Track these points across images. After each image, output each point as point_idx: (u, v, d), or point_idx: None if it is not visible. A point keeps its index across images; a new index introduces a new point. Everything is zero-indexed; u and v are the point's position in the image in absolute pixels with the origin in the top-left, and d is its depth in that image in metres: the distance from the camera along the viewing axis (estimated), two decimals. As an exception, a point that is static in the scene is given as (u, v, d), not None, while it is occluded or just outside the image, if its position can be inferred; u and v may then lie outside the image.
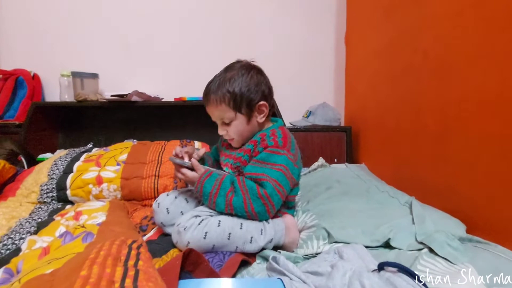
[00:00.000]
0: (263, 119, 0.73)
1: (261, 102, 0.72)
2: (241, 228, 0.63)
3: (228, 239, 0.62)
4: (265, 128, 0.75)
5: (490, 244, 0.58)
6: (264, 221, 0.67)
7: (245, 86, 0.70)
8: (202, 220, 0.63)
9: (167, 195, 0.76)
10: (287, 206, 0.76)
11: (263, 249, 0.65)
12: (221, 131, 0.74)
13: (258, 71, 0.74)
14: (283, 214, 0.73)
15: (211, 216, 0.65)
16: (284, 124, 0.84)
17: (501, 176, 0.61)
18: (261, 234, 0.65)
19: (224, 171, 0.76)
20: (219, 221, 0.63)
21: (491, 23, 0.63)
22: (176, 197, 0.75)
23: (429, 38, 0.85)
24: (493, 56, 0.63)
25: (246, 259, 0.61)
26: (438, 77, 0.81)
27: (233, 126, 0.72)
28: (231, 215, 0.66)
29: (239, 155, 0.73)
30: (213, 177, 0.68)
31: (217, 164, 0.85)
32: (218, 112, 0.72)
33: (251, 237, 0.63)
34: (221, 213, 0.66)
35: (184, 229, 0.62)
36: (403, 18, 0.99)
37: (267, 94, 0.73)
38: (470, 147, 0.70)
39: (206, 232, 0.61)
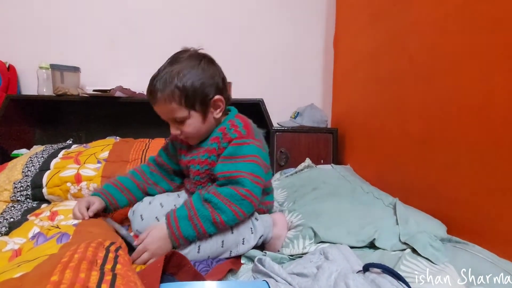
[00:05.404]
0: (220, 114, 0.67)
1: (217, 97, 0.65)
2: (232, 233, 0.62)
3: (222, 246, 0.61)
4: (223, 121, 0.69)
5: (468, 244, 0.60)
6: (253, 219, 0.66)
7: (198, 80, 0.62)
8: None
9: (142, 201, 0.72)
10: (265, 192, 0.73)
11: None
12: (174, 131, 0.67)
13: (209, 61, 0.66)
14: (274, 214, 0.73)
15: None
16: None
17: (480, 180, 0.63)
18: (252, 233, 0.64)
19: (193, 180, 0.70)
20: None
21: (475, 30, 0.65)
22: (150, 203, 0.71)
23: (415, 43, 0.87)
24: (476, 62, 0.65)
25: (233, 268, 0.60)
26: (423, 81, 0.83)
27: (187, 126, 0.65)
28: None
29: (204, 158, 0.68)
30: (182, 220, 0.58)
31: (174, 172, 0.78)
32: (168, 112, 0.64)
33: (243, 239, 0.62)
34: None
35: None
36: (390, 23, 1.01)
37: (222, 86, 0.66)
38: (451, 151, 0.72)
39: (199, 246, 0.59)
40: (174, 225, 0.58)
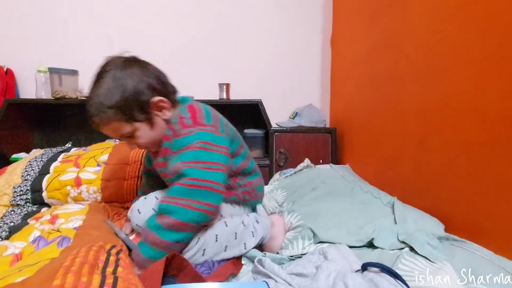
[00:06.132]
0: (168, 114, 0.63)
1: (155, 99, 0.60)
2: (235, 238, 0.63)
3: (225, 251, 0.62)
4: (174, 117, 0.64)
5: (465, 242, 0.60)
6: (254, 222, 0.66)
7: (127, 91, 0.57)
8: (199, 238, 0.60)
9: (138, 199, 0.73)
10: (244, 173, 0.70)
11: None
12: (130, 146, 0.65)
13: (135, 63, 0.61)
14: (271, 215, 0.74)
15: (205, 230, 0.62)
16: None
17: (477, 178, 0.64)
18: (253, 236, 0.65)
19: (165, 180, 0.70)
20: (216, 235, 0.61)
21: (471, 31, 0.66)
22: (145, 198, 0.72)
23: (412, 43, 0.88)
24: (472, 63, 0.66)
25: (234, 272, 0.60)
26: (420, 82, 0.84)
27: (138, 138, 0.61)
28: (226, 225, 0.64)
29: (163, 160, 0.65)
30: (141, 246, 0.56)
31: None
32: (114, 132, 0.61)
33: (245, 243, 0.63)
34: (213, 225, 0.63)
35: (181, 252, 0.59)
36: (387, 23, 1.02)
37: (158, 85, 0.61)
38: (448, 150, 0.72)
39: (204, 250, 0.60)
40: (137, 255, 0.55)
